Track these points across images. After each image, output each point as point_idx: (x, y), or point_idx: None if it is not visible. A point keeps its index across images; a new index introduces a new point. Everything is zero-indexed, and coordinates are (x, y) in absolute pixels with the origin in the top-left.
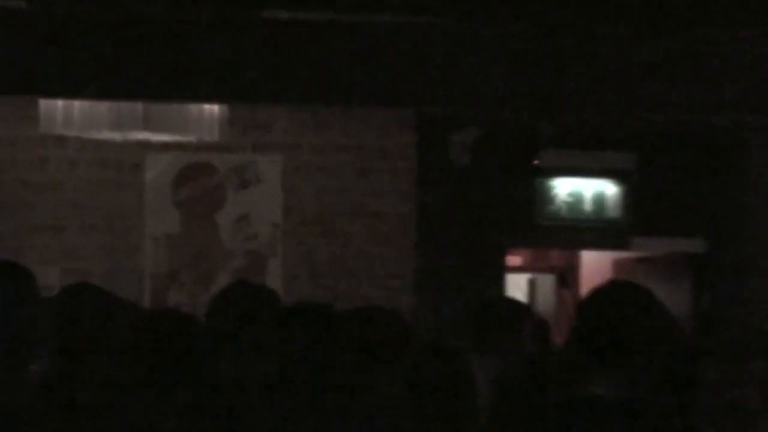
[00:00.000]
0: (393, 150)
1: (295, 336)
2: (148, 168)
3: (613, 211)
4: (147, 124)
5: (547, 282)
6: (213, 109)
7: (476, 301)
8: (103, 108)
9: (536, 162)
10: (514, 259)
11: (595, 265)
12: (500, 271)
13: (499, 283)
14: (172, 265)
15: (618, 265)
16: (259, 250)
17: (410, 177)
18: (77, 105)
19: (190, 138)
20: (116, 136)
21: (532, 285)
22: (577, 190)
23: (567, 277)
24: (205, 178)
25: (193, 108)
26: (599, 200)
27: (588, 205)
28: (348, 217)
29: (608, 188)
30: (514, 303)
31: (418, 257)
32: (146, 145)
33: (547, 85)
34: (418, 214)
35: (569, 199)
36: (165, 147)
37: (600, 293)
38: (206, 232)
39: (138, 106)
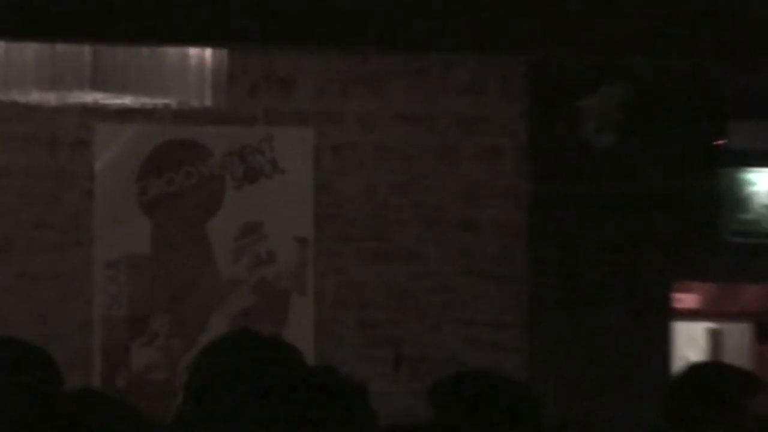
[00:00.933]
0: (490, 123)
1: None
2: (99, 148)
3: None
4: (98, 81)
5: (737, 333)
6: (203, 57)
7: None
8: (30, 55)
9: (721, 143)
10: (685, 299)
11: None
12: (663, 317)
13: (663, 336)
14: (137, 304)
15: None
16: (276, 282)
17: (517, 165)
18: None
19: (165, 102)
20: (50, 98)
21: (714, 338)
22: None
23: None
24: (190, 166)
25: (172, 55)
26: None
27: None
28: (419, 229)
29: None
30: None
31: (532, 294)
32: (96, 113)
33: (740, 22)
34: (531, 226)
35: None
36: (125, 115)
37: None
38: (192, 251)
39: (84, 53)
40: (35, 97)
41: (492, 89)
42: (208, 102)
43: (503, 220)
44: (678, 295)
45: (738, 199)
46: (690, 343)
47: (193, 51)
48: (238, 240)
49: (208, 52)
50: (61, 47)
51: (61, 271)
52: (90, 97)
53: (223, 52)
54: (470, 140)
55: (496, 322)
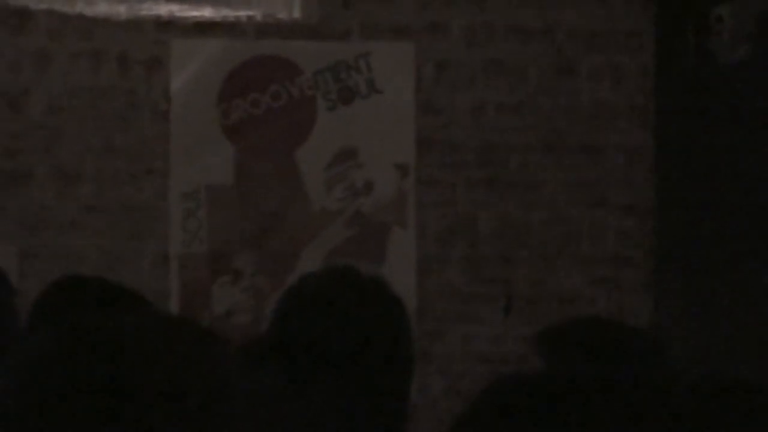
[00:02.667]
0: (613, 37)
1: None
2: (175, 66)
3: None
4: None
5: None
6: None
7: None
8: None
9: None
10: None
11: None
12: None
13: None
14: (219, 240)
15: None
16: (373, 214)
17: (642, 83)
18: None
19: (249, 14)
20: (120, 10)
21: None
22: None
23: None
24: (278, 86)
25: None
26: None
27: None
28: (533, 155)
29: None
30: None
31: (659, 226)
32: (172, 27)
33: None
34: (657, 151)
35: None
36: (204, 30)
37: None
38: (280, 181)
39: None
40: (103, 9)
41: None
42: (296, 14)
43: (627, 143)
44: None
45: None
46: None
47: None
48: (332, 168)
49: None
50: None
51: (133, 204)
52: (164, 9)
53: None
54: (590, 56)
55: (619, 258)
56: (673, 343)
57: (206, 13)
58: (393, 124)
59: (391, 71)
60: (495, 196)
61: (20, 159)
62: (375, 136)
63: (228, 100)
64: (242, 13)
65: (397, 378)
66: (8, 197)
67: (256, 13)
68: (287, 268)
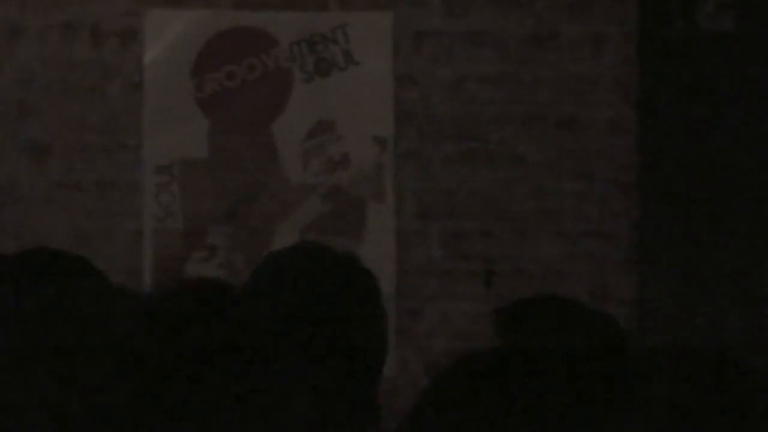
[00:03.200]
0: (595, 7)
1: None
2: (149, 37)
3: None
4: None
5: None
6: None
7: None
8: None
9: None
10: None
11: None
12: None
13: None
14: (193, 215)
15: None
16: (351, 188)
17: (625, 55)
18: None
19: None
20: None
21: None
22: None
23: None
24: (253, 58)
25: None
26: None
27: None
28: (514, 128)
29: None
30: None
31: (642, 200)
32: None
33: None
34: (640, 124)
35: None
36: (178, 1)
37: None
38: (255, 154)
39: None
40: None
41: None
42: None
43: (609, 116)
44: None
45: None
46: None
47: None
48: (308, 141)
49: None
50: None
51: (106, 178)
52: None
53: None
54: (572, 25)
55: (601, 233)
56: (658, 320)
57: None
58: (371, 96)
59: (369, 42)
60: (475, 170)
61: None
62: (352, 109)
63: (202, 72)
64: None
65: (369, 357)
66: None
67: None
68: (263, 244)
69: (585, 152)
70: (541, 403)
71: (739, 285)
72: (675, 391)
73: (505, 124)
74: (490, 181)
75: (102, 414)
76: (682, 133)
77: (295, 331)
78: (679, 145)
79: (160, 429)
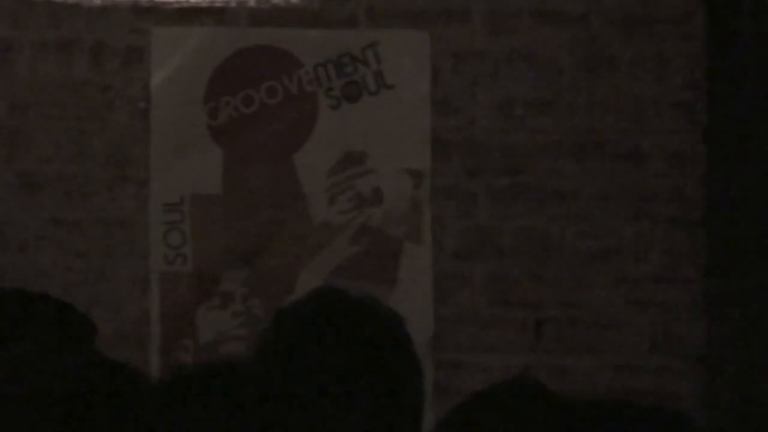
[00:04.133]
0: (659, 23)
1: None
2: (156, 58)
3: None
4: None
5: None
6: None
7: None
8: None
9: None
10: None
11: None
12: None
13: None
14: (206, 258)
15: None
16: (383, 227)
17: (690, 76)
18: None
19: None
20: None
21: None
22: None
23: None
24: (273, 81)
25: None
26: None
27: None
28: (566, 159)
29: None
30: None
31: (710, 241)
32: (152, 13)
33: None
34: (709, 154)
35: None
36: (188, 17)
37: None
38: (275, 190)
39: None
40: None
41: None
42: None
43: (673, 146)
44: None
45: None
46: None
47: None
48: (335, 174)
49: None
50: None
51: (108, 216)
52: None
53: None
54: (631, 45)
55: (664, 278)
56: (726, 377)
57: None
58: (405, 124)
59: (403, 64)
60: (522, 206)
61: None
62: (385, 139)
63: (216, 97)
64: None
65: (403, 420)
66: None
67: None
68: (284, 290)
69: (645, 187)
70: None
71: None
72: None
73: (556, 156)
74: (540, 219)
75: None
76: (755, 166)
77: (321, 387)
78: (752, 180)
79: None
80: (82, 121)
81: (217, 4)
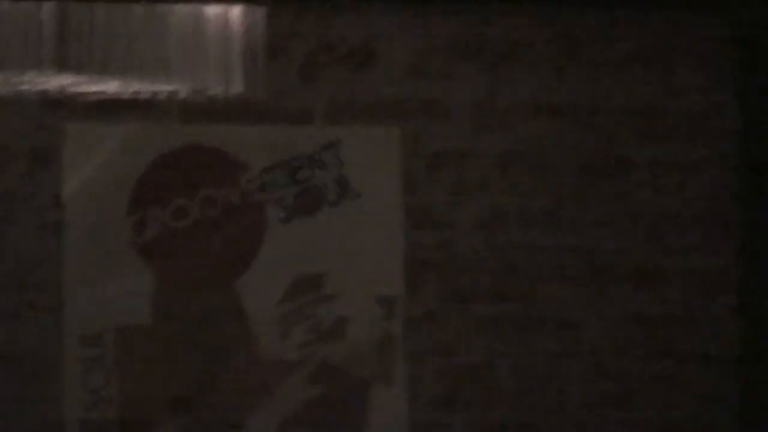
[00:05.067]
0: (683, 118)
1: None
2: (69, 162)
3: None
4: (66, 55)
5: None
6: (226, 16)
7: None
8: None
9: None
10: None
11: None
12: None
13: None
14: (133, 404)
15: None
16: (347, 365)
17: (724, 181)
18: None
19: (171, 89)
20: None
21: None
22: None
23: None
24: (211, 189)
25: (181, 14)
26: None
27: None
28: (573, 286)
29: None
30: None
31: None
32: (64, 108)
33: None
34: (746, 279)
35: None
36: (108, 112)
37: None
38: (215, 321)
39: (45, 10)
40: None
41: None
42: (237, 88)
43: (706, 265)
44: None
45: None
46: None
47: (212, 8)
48: (288, 302)
49: (235, 10)
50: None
51: (12, 353)
52: (54, 83)
53: (260, 10)
54: (648, 145)
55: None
56: None
57: (111, 88)
58: (373, 240)
59: (371, 167)
60: (516, 340)
61: None
62: (348, 258)
63: (142, 208)
64: (161, 89)
65: None
66: None
67: (181, 89)
68: None
69: (668, 318)
70: None
71: None
72: None
73: (557, 280)
74: (536, 358)
75: None
76: None
77: None
78: None
79: None
80: None
81: (143, 96)
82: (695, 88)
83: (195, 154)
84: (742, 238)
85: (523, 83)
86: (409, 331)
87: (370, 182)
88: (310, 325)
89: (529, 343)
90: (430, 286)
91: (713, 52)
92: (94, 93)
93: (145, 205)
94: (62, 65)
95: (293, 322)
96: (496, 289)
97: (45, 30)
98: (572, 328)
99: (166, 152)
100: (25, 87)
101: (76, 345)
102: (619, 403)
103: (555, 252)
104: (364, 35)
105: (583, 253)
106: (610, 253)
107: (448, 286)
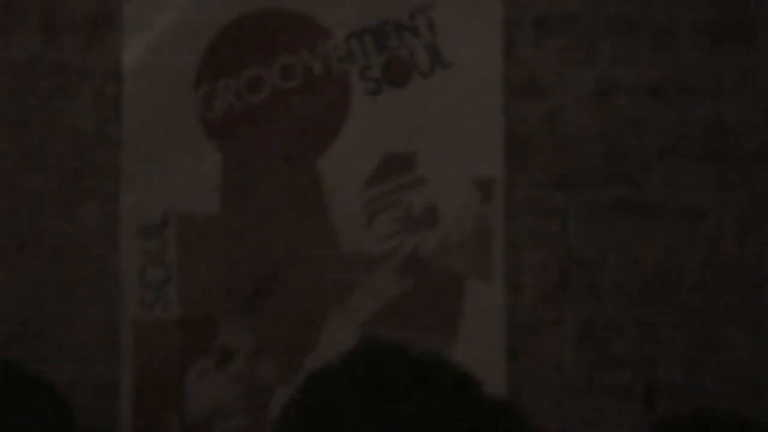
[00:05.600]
0: None
1: None
2: (129, 30)
3: None
4: None
5: None
6: None
7: None
8: None
9: None
10: None
11: None
12: None
13: None
14: (197, 301)
15: None
16: (439, 258)
17: None
18: None
19: None
20: None
21: None
22: None
23: None
24: (289, 57)
25: None
26: None
27: None
28: (691, 166)
29: None
30: None
31: None
32: None
33: None
34: None
35: None
36: None
37: None
38: (292, 207)
39: None
40: None
41: None
42: None
43: None
44: None
45: None
46: None
47: None
48: (374, 186)
49: None
50: None
51: (62, 242)
52: None
53: None
54: None
55: None
56: None
57: None
58: (470, 116)
59: (467, 33)
60: (629, 228)
61: None
62: (441, 136)
63: (212, 79)
64: None
65: None
66: None
67: None
68: (303, 345)
69: None
70: None
71: None
72: None
73: (673, 160)
74: (652, 247)
75: None
76: None
77: None
78: None
79: None
80: (28, 112)
81: None
82: None
83: (271, 18)
84: None
85: None
86: (508, 218)
87: (466, 51)
88: (398, 212)
89: (644, 231)
90: (532, 168)
91: None
92: None
93: (214, 76)
94: None
95: (379, 209)
96: (606, 171)
97: None
98: (694, 212)
99: (238, 16)
100: None
101: (134, 236)
102: (744, 297)
103: (671, 129)
104: None
105: (702, 129)
106: (731, 130)
107: (552, 168)
